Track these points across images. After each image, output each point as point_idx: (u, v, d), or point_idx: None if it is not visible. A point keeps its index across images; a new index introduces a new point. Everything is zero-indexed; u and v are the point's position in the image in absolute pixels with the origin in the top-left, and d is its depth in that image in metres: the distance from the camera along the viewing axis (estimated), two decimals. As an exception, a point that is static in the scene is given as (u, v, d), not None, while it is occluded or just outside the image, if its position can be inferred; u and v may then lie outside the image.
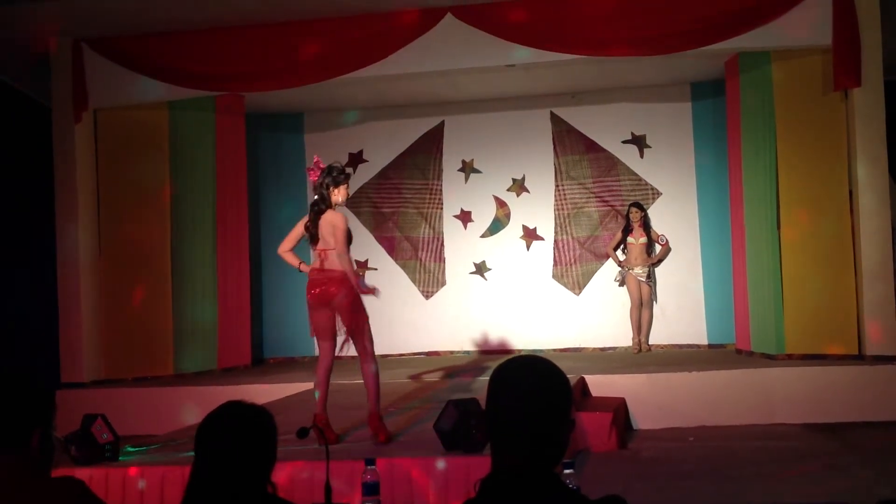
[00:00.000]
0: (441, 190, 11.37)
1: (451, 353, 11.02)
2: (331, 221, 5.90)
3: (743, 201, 9.11)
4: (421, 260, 11.34)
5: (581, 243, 11.02)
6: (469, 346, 11.02)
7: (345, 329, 5.94)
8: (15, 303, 9.52)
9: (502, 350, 10.71)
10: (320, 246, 5.96)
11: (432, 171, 11.38)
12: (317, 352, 11.49)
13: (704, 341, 10.51)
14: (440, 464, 5.31)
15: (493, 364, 2.20)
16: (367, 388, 6.04)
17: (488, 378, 2.14)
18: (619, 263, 10.53)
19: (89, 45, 9.37)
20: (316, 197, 6.04)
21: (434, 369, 9.57)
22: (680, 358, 9.50)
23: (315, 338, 6.09)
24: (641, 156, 10.90)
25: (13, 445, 2.47)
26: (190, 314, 9.75)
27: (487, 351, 10.87)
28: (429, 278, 11.33)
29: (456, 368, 9.63)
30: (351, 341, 5.99)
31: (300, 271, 6.15)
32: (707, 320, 10.53)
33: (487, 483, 2.01)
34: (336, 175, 6.06)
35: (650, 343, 10.46)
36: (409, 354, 11.05)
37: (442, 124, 11.36)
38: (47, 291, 9.41)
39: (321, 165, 6.10)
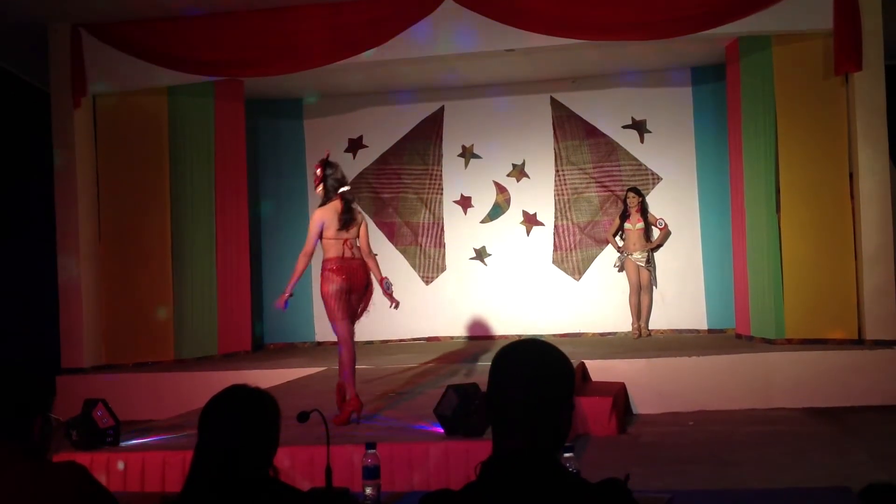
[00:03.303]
0: (441, 175, 11.36)
1: (452, 338, 11.04)
2: (360, 215, 6.23)
3: (743, 186, 9.10)
4: (421, 245, 11.34)
5: (581, 228, 11.01)
6: (469, 332, 11.04)
7: (360, 310, 6.24)
8: (15, 289, 9.53)
9: (501, 336, 10.75)
10: (350, 235, 6.12)
11: (432, 157, 11.37)
12: (317, 338, 11.61)
13: (704, 326, 10.52)
14: (440, 448, 5.32)
15: (491, 349, 2.20)
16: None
17: (489, 362, 2.14)
18: (618, 249, 10.53)
19: (88, 31, 9.34)
20: (347, 188, 6.19)
21: (434, 354, 9.60)
22: (680, 343, 9.51)
23: (335, 321, 6.15)
24: (642, 141, 10.88)
25: (14, 433, 2.47)
26: (190, 300, 9.76)
27: (484, 336, 10.89)
28: (429, 264, 11.33)
29: (455, 353, 9.66)
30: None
31: (289, 292, 6.16)
32: (707, 305, 10.54)
33: (488, 467, 2.01)
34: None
35: (650, 328, 10.46)
36: (410, 340, 11.07)
37: (442, 109, 11.34)
38: (47, 277, 9.41)
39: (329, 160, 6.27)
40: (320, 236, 6.11)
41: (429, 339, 11.09)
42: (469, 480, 2.03)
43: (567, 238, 11.07)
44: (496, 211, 11.27)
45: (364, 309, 6.29)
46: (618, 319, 10.64)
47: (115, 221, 9.64)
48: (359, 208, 6.35)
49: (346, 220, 6.09)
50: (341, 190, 6.16)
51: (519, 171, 11.22)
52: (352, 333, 6.19)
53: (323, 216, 6.08)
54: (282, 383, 8.03)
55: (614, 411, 7.20)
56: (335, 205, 6.13)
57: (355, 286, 6.13)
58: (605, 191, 10.98)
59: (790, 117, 8.67)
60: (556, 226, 11.12)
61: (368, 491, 3.59)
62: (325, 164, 6.20)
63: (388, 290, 6.25)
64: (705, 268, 10.59)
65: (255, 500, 2.32)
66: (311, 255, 6.16)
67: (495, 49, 9.08)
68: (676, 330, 10.56)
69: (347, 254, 6.09)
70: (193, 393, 8.00)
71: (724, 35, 8.83)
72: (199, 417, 2.42)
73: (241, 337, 10.26)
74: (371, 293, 6.27)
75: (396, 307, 6.37)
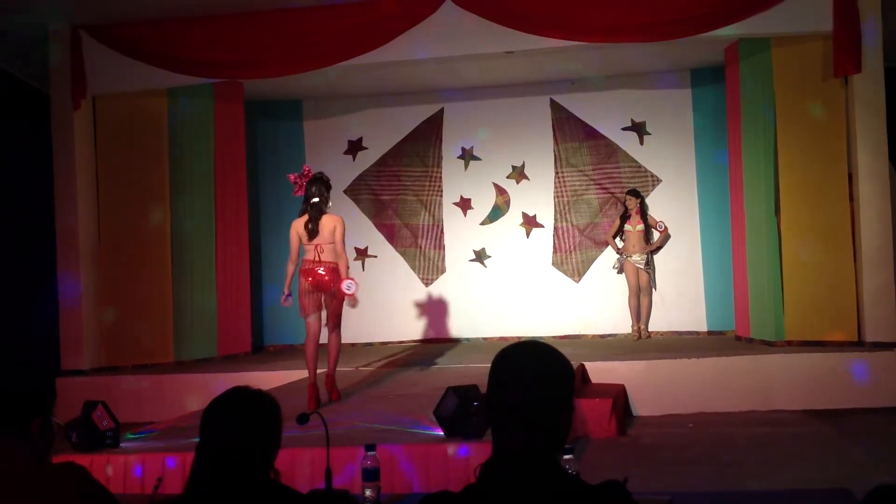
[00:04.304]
0: (441, 177, 11.36)
1: (451, 340, 11.04)
2: (333, 221, 6.89)
3: (742, 188, 9.11)
4: (421, 247, 11.34)
5: (581, 230, 11.01)
6: (469, 334, 11.04)
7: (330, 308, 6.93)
8: (15, 291, 9.52)
9: (501, 338, 10.74)
10: (317, 241, 6.86)
11: (432, 159, 11.37)
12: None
13: (704, 328, 10.52)
14: (440, 450, 5.32)
15: (491, 351, 2.20)
16: (332, 353, 7.02)
17: (489, 364, 2.14)
18: (618, 251, 10.53)
19: (87, 32, 9.35)
20: (316, 200, 6.91)
21: (433, 356, 9.60)
22: (679, 345, 9.51)
23: (305, 316, 6.99)
24: (641, 143, 10.89)
25: (13, 433, 2.48)
26: (190, 301, 9.76)
27: (484, 338, 10.89)
28: (428, 266, 11.33)
29: (454, 355, 9.67)
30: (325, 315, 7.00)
31: (286, 291, 7.05)
32: (707, 307, 10.53)
33: (487, 469, 2.01)
34: (327, 182, 7.08)
35: (650, 330, 10.46)
36: (409, 341, 11.07)
37: (441, 111, 11.35)
38: (48, 279, 9.41)
39: (310, 174, 7.07)
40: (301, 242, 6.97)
41: (428, 341, 11.09)
42: (469, 482, 2.04)
43: (567, 240, 11.07)
44: (496, 213, 11.28)
45: (339, 306, 6.91)
46: (617, 321, 10.64)
47: (115, 223, 9.64)
48: (331, 214, 7.00)
49: (311, 231, 6.86)
50: (312, 201, 6.92)
51: (518, 173, 11.22)
52: (316, 330, 6.94)
53: (295, 227, 6.96)
54: (282, 385, 8.03)
55: (614, 413, 7.20)
56: (304, 217, 6.93)
57: (322, 286, 6.85)
58: (604, 193, 10.98)
59: (790, 119, 8.68)
60: (555, 228, 11.12)
61: (368, 493, 3.59)
62: (308, 180, 6.98)
63: (346, 291, 6.77)
64: (705, 270, 10.59)
65: (256, 502, 2.32)
66: (295, 260, 6.98)
67: (495, 51, 9.09)
68: (676, 332, 10.56)
69: (317, 257, 6.85)
70: (193, 395, 8.02)
71: (724, 37, 8.83)
72: (201, 419, 2.42)
73: (240, 338, 10.25)
74: (332, 290, 6.88)
75: (354, 305, 6.89)
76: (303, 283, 6.88)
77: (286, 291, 7.01)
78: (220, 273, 9.99)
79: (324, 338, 6.99)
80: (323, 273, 6.82)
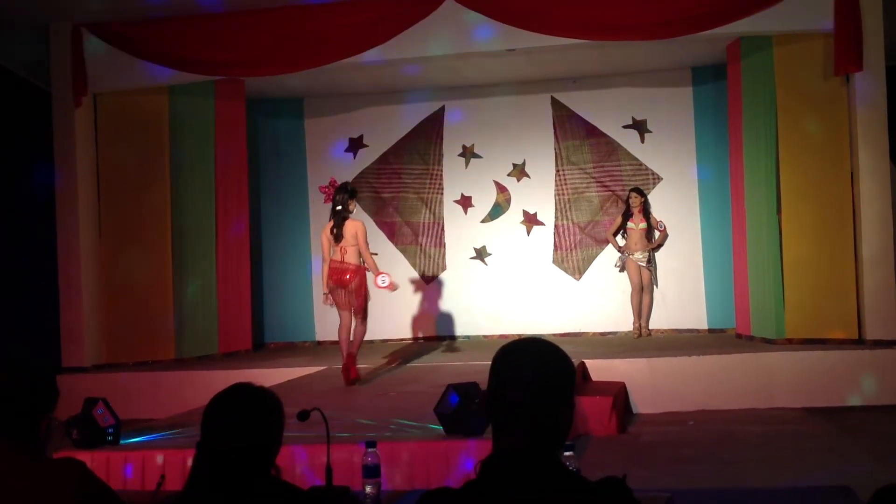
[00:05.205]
0: (441, 175, 11.36)
1: (452, 337, 11.04)
2: (354, 226, 7.75)
3: (743, 186, 9.11)
4: (421, 245, 11.35)
5: (581, 228, 11.01)
6: (469, 331, 11.05)
7: (354, 305, 7.81)
8: (16, 288, 9.52)
9: (502, 335, 10.74)
10: (342, 244, 7.69)
11: (432, 156, 11.37)
12: (317, 337, 11.69)
13: (704, 326, 10.52)
14: (440, 447, 5.32)
15: (492, 348, 2.20)
16: (354, 339, 7.89)
17: (490, 361, 2.14)
18: (619, 249, 10.53)
19: (89, 30, 9.35)
20: (339, 207, 7.75)
21: (434, 354, 9.61)
22: (680, 342, 9.51)
23: (336, 308, 7.93)
24: (642, 141, 10.88)
25: (16, 432, 2.48)
26: (191, 299, 9.76)
27: (485, 336, 10.89)
28: (429, 263, 11.33)
29: (455, 353, 9.67)
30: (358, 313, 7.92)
31: (325, 291, 7.92)
32: (707, 305, 10.53)
33: (488, 465, 2.01)
34: (352, 191, 7.91)
35: (650, 328, 10.46)
36: (410, 339, 11.08)
37: (442, 109, 11.34)
38: (48, 276, 9.41)
39: (336, 184, 7.89)
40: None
41: (428, 338, 11.09)
42: (469, 479, 2.04)
43: (567, 238, 11.07)
44: (496, 210, 11.28)
45: (360, 302, 7.81)
46: (618, 319, 10.64)
47: (116, 220, 9.64)
48: (353, 220, 7.80)
49: (336, 235, 7.72)
50: (336, 209, 7.75)
51: (519, 171, 11.22)
52: (348, 321, 7.85)
53: (324, 232, 7.85)
54: (282, 382, 8.03)
55: (614, 411, 7.21)
56: (331, 223, 7.77)
57: (343, 284, 7.72)
58: (605, 190, 10.98)
59: (791, 118, 8.67)
60: (556, 225, 11.12)
61: (368, 489, 3.59)
62: (335, 189, 7.91)
63: (379, 285, 7.85)
64: (706, 268, 10.59)
65: (256, 499, 2.32)
66: (327, 260, 7.81)
67: (496, 49, 9.09)
68: (677, 330, 10.56)
69: (341, 258, 7.72)
70: (194, 392, 8.01)
71: (725, 35, 8.83)
72: (203, 415, 2.42)
73: (241, 336, 10.26)
74: (361, 290, 7.78)
75: (391, 289, 8.05)
76: (330, 285, 7.79)
77: (325, 290, 7.86)
78: (220, 270, 9.99)
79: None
80: (345, 274, 7.68)
